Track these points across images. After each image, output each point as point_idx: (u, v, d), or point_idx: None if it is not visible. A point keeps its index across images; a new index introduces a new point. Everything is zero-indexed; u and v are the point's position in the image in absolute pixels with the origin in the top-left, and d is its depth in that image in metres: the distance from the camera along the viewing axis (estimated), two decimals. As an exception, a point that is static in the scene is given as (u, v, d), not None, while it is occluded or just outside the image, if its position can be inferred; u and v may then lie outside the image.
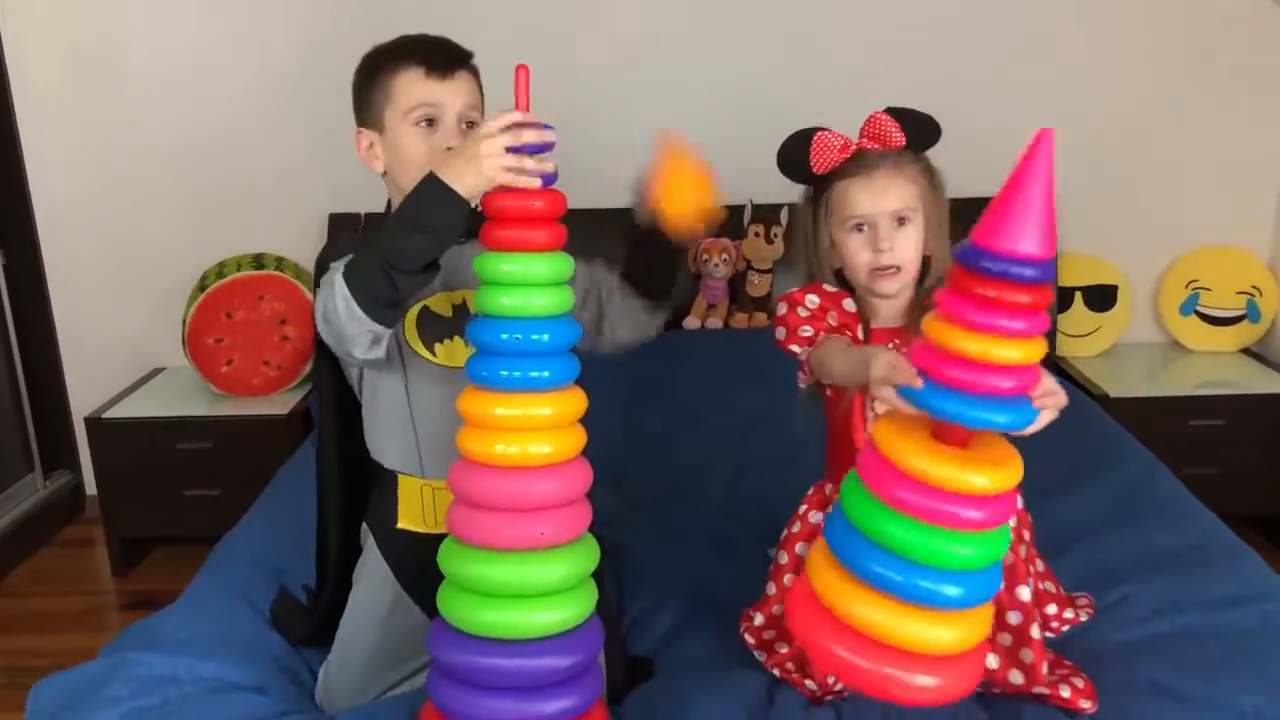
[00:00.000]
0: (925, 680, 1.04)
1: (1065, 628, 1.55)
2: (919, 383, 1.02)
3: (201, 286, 2.75)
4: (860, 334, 1.43)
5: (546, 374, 1.19)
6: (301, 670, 1.57)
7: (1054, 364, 2.86)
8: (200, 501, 2.69)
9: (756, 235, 2.74)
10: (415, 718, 1.32)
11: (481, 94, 1.46)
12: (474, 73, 1.45)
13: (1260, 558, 1.76)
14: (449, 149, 1.35)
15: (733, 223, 2.76)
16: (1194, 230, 2.95)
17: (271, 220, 2.92)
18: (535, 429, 1.19)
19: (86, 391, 2.97)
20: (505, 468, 1.19)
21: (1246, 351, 2.94)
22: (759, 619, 1.52)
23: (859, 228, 1.41)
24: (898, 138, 1.38)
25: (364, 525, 1.55)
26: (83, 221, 2.94)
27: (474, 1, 2.71)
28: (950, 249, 1.44)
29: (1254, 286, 2.91)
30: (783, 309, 1.46)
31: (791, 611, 1.15)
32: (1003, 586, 1.35)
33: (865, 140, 1.41)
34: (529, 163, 1.16)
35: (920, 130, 1.40)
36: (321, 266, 1.44)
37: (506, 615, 1.18)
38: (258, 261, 2.80)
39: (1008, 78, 2.84)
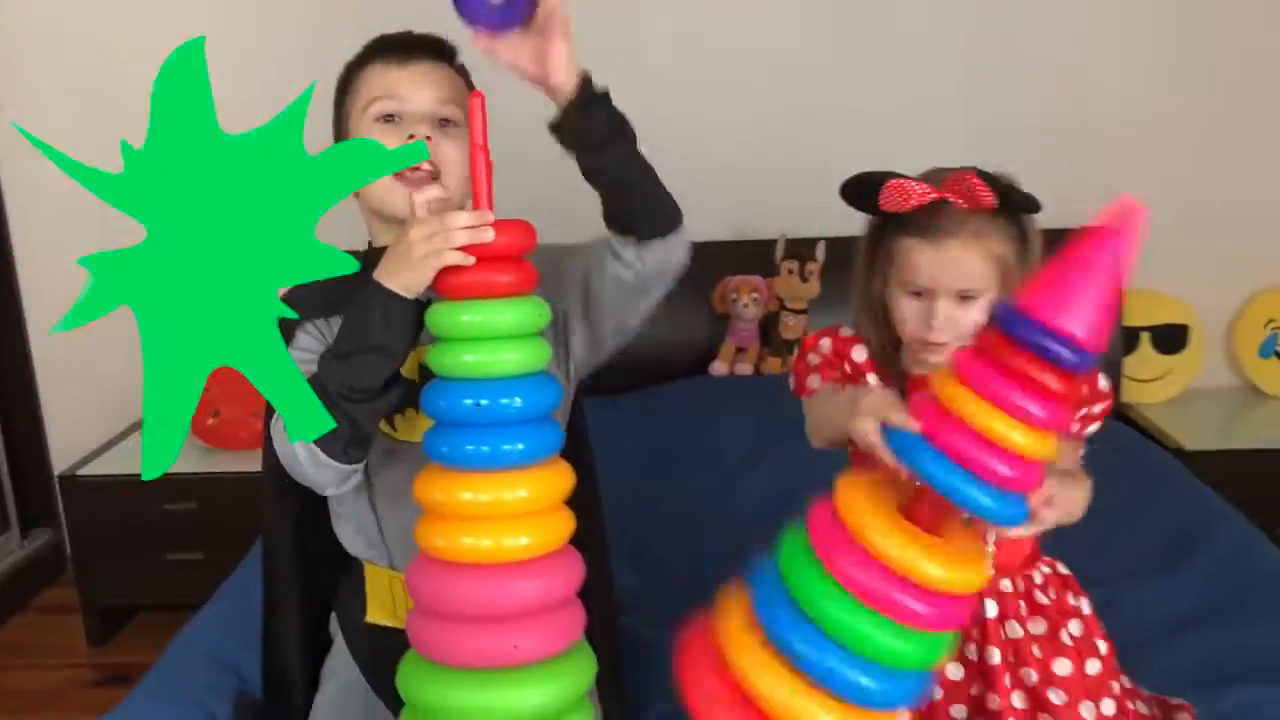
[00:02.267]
0: None
1: None
2: (916, 425, 0.92)
3: (187, 332, 2.54)
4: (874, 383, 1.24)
5: (521, 446, 0.97)
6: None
7: (1119, 412, 2.60)
8: (183, 566, 2.47)
9: (790, 272, 2.50)
10: None
11: (469, 90, 1.25)
12: (449, 63, 1.24)
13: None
14: (411, 136, 1.15)
15: (764, 258, 2.53)
16: (1272, 264, 2.69)
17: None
18: (510, 516, 0.97)
19: (67, 443, 2.77)
20: (475, 566, 0.96)
21: (1334, 397, 2.67)
22: None
23: (916, 294, 1.19)
24: (986, 198, 1.13)
25: (333, 618, 1.32)
26: (63, 256, 2.75)
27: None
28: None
29: (1341, 325, 2.64)
30: (795, 355, 1.31)
31: (686, 665, 0.99)
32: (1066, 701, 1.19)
33: (948, 194, 1.16)
34: (459, 235, 0.99)
35: (1013, 202, 1.15)
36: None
37: None
38: (248, 304, 2.59)
39: (1069, 95, 2.62)
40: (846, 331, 1.27)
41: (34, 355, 2.82)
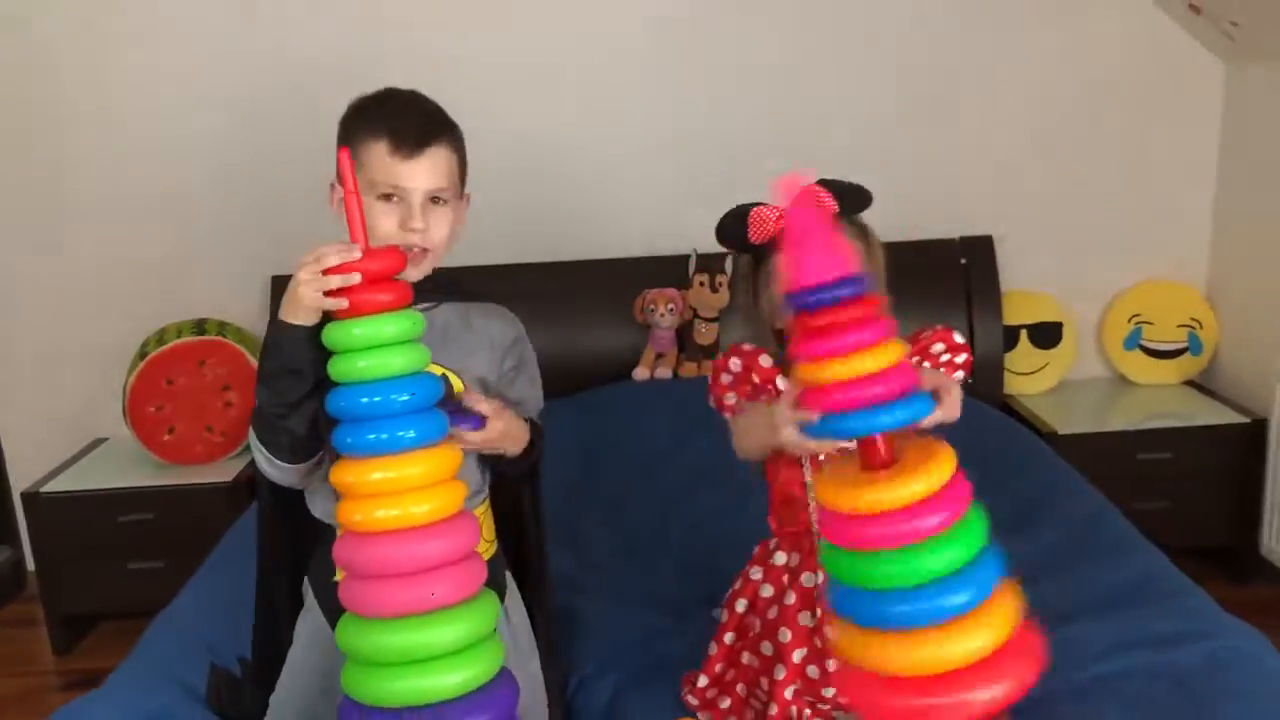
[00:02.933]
0: (990, 692, 1.01)
1: None
2: (813, 417, 1.09)
3: (142, 354, 2.71)
4: (782, 386, 1.44)
5: (413, 433, 1.18)
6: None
7: (1002, 402, 2.88)
8: (144, 575, 2.62)
9: (701, 284, 2.74)
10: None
11: (462, 160, 1.43)
12: (451, 143, 1.41)
13: (1205, 594, 1.77)
14: (413, 229, 1.36)
15: (678, 272, 2.77)
16: (1134, 266, 2.99)
17: (212, 284, 2.88)
18: (413, 489, 1.18)
19: (25, 464, 2.90)
20: (390, 533, 1.18)
21: (1190, 384, 2.98)
22: (702, 680, 1.50)
23: None
24: (829, 203, 1.38)
25: (305, 581, 1.51)
26: (20, 287, 2.89)
27: (430, 66, 2.69)
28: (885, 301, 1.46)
29: (1194, 319, 2.95)
30: (711, 375, 1.49)
31: (855, 702, 1.11)
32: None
33: None
34: (333, 279, 1.20)
35: (851, 197, 1.40)
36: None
37: (404, 683, 1.15)
38: (199, 327, 2.76)
39: (950, 116, 2.90)
40: (748, 345, 1.47)
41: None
